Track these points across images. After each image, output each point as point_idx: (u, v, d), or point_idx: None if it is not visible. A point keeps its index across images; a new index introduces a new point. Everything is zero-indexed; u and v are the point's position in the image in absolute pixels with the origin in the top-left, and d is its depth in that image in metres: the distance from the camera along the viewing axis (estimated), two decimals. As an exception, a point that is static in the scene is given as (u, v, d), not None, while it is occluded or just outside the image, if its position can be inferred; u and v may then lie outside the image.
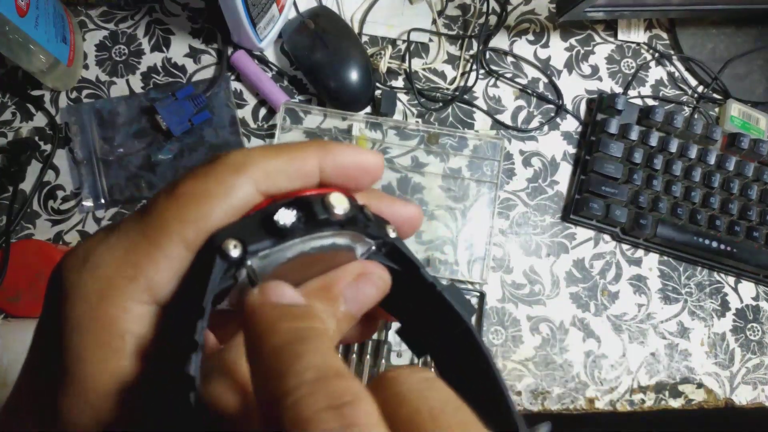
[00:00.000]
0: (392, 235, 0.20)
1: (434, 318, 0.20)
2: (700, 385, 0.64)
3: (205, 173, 0.18)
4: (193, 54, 0.66)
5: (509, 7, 0.71)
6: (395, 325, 0.60)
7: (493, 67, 0.69)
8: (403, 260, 0.20)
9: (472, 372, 0.19)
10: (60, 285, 0.17)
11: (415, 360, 0.60)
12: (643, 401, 0.63)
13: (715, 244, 0.65)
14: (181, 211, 0.17)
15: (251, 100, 0.65)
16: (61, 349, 0.16)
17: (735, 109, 0.69)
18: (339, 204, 0.17)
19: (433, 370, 0.19)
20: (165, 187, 0.18)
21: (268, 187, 0.18)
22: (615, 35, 0.72)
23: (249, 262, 0.17)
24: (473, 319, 0.61)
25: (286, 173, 0.18)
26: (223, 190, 0.17)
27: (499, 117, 0.68)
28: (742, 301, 0.67)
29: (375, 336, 0.60)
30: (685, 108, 0.71)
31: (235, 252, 0.16)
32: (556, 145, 0.68)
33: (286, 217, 0.17)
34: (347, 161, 0.20)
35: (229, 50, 0.65)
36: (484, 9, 0.70)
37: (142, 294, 0.16)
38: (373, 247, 0.20)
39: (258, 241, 0.16)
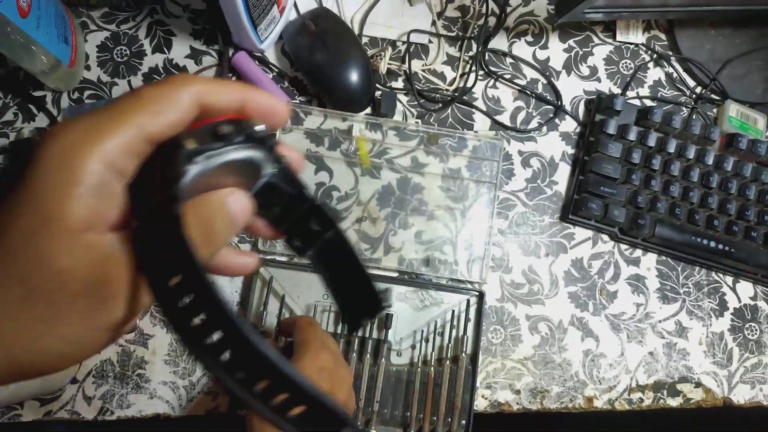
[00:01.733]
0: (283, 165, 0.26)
1: (315, 225, 0.28)
2: (698, 384, 0.64)
3: (162, 82, 0.23)
4: (194, 55, 0.66)
5: (508, 9, 0.71)
6: (395, 325, 0.61)
7: (493, 68, 0.70)
8: (293, 181, 0.26)
9: (344, 264, 0.29)
10: (31, 155, 0.21)
11: (415, 359, 0.60)
12: (642, 400, 0.63)
13: (713, 243, 0.65)
14: (141, 103, 0.22)
15: (252, 101, 0.66)
16: (30, 201, 0.20)
17: (733, 109, 0.70)
18: (260, 126, 0.24)
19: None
20: (131, 90, 0.24)
21: (203, 99, 0.24)
22: (613, 36, 0.72)
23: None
24: (472, 318, 0.62)
25: (217, 94, 0.24)
26: (173, 93, 0.23)
27: (498, 118, 0.68)
28: (740, 301, 0.67)
29: (375, 335, 0.60)
30: (684, 109, 0.71)
31: (191, 146, 0.21)
32: (554, 145, 0.68)
33: (225, 128, 0.23)
34: (261, 101, 0.25)
35: (230, 51, 0.66)
36: (484, 10, 0.70)
37: (95, 156, 0.21)
38: (274, 170, 0.26)
39: (207, 143, 0.22)
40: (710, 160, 0.66)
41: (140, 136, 0.21)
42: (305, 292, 0.61)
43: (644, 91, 0.71)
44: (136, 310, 0.22)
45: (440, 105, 0.68)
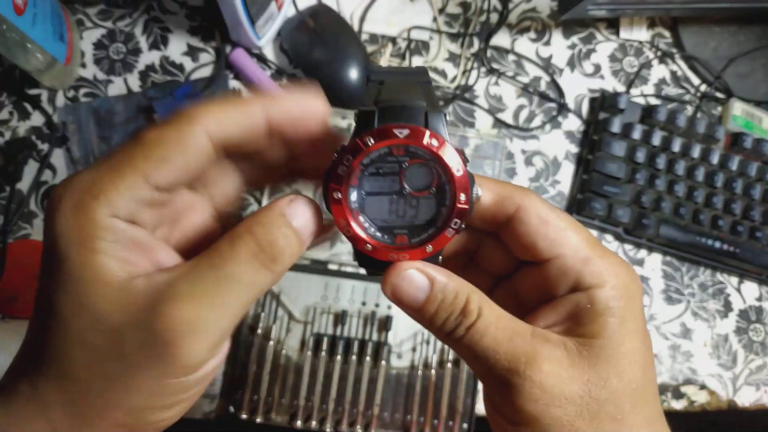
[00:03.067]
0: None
1: None
2: (702, 387, 0.64)
3: (165, 124, 0.22)
4: (191, 52, 0.65)
5: (510, 5, 0.70)
6: (395, 327, 0.60)
7: (495, 66, 0.69)
8: None
9: None
10: (46, 219, 0.21)
11: (416, 362, 0.59)
12: (646, 402, 0.62)
13: (718, 244, 0.64)
14: (145, 151, 0.21)
15: (250, 99, 0.65)
16: (52, 265, 0.20)
17: (738, 108, 0.69)
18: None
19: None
20: (135, 134, 0.22)
21: (218, 135, 0.22)
22: (617, 33, 0.71)
23: None
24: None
25: (236, 121, 0.22)
26: (178, 137, 0.21)
27: (500, 116, 0.67)
28: (745, 302, 0.66)
29: (375, 337, 0.59)
30: (688, 107, 0.70)
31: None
32: (558, 144, 0.68)
33: None
34: (288, 105, 0.23)
35: (228, 48, 0.65)
36: (485, 7, 0.69)
37: (104, 209, 0.20)
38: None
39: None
40: (715, 159, 0.65)
41: (146, 186, 0.21)
42: (303, 294, 0.60)
43: (648, 89, 0.70)
44: (212, 350, 0.21)
45: (441, 103, 0.67)
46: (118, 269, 0.20)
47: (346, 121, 0.65)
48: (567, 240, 0.25)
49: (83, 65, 0.64)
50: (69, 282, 0.20)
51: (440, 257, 0.25)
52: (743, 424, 0.71)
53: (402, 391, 0.59)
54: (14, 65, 0.60)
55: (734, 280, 0.67)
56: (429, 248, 0.24)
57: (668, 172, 0.65)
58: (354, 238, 0.24)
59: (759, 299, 0.66)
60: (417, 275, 0.24)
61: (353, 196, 0.24)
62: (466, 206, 0.24)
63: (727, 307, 0.66)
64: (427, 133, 0.23)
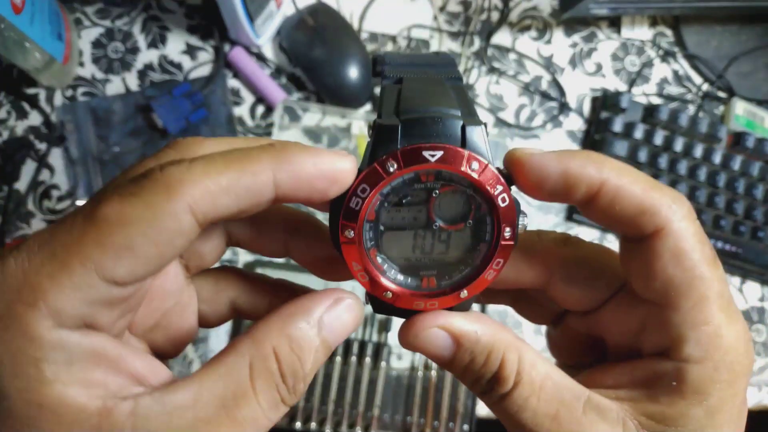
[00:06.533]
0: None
1: None
2: (704, 388, 0.63)
3: (133, 194, 0.15)
4: (190, 51, 0.65)
5: (511, 4, 0.70)
6: (396, 327, 0.59)
7: (495, 65, 0.68)
8: None
9: None
10: None
11: (416, 363, 0.59)
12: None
13: (720, 244, 0.64)
14: (100, 236, 0.15)
15: (249, 98, 0.65)
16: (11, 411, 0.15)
17: (740, 107, 0.68)
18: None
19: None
20: (86, 206, 0.16)
21: (208, 212, 0.16)
22: (619, 32, 0.71)
23: None
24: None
25: (233, 192, 0.16)
26: (151, 217, 0.15)
27: (501, 115, 0.67)
28: (747, 302, 0.66)
29: (375, 338, 0.59)
30: (690, 106, 0.70)
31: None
32: (559, 143, 0.67)
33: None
34: (307, 170, 0.17)
35: (227, 47, 0.64)
36: (486, 5, 0.69)
37: (45, 320, 0.15)
38: None
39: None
40: (717, 159, 0.65)
41: (102, 283, 0.15)
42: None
43: (650, 88, 0.70)
44: None
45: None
46: (85, 398, 0.15)
47: (345, 120, 0.64)
48: (696, 287, 0.19)
49: (81, 64, 0.63)
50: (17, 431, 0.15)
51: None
52: (745, 425, 0.71)
53: (402, 392, 0.59)
54: (12, 64, 0.60)
55: (736, 280, 0.66)
56: (464, 293, 0.20)
57: (670, 171, 0.65)
58: (371, 285, 0.20)
59: (761, 299, 0.66)
60: (440, 335, 0.19)
61: (369, 233, 0.20)
62: (511, 242, 0.19)
63: (729, 307, 0.65)
64: (466, 154, 0.18)
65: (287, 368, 0.18)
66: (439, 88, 0.20)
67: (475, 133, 0.18)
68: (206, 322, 0.23)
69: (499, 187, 0.19)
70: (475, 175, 0.18)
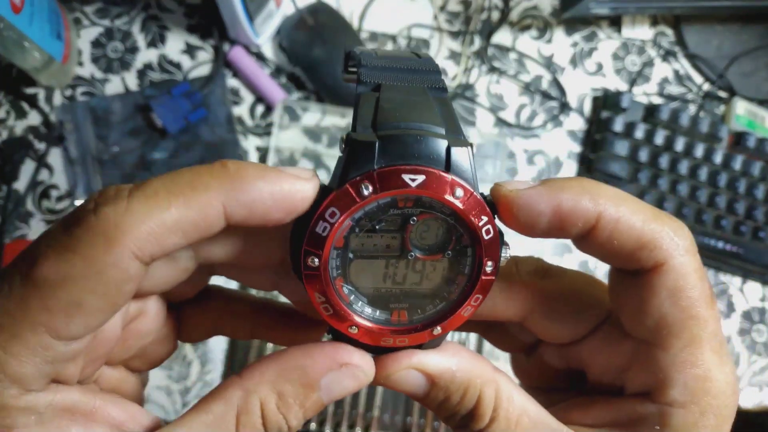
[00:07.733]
0: None
1: None
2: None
3: (68, 248, 0.14)
4: (190, 50, 0.65)
5: (512, 3, 0.69)
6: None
7: (496, 64, 0.68)
8: None
9: None
10: None
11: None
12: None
13: (720, 244, 0.64)
14: (44, 299, 0.14)
15: (248, 98, 0.64)
16: None
17: (741, 107, 0.68)
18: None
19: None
20: (20, 265, 0.15)
21: (155, 252, 0.15)
22: (619, 31, 0.71)
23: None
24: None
25: (179, 229, 0.15)
26: (92, 272, 0.14)
27: (501, 114, 0.67)
28: (748, 303, 0.66)
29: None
30: (691, 106, 0.70)
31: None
32: (559, 143, 0.67)
33: None
34: (263, 200, 0.16)
35: (226, 46, 0.64)
36: (486, 4, 0.69)
37: (8, 390, 0.15)
38: None
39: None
40: (718, 158, 0.64)
41: (58, 343, 0.15)
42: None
43: (651, 88, 0.70)
44: None
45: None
46: None
47: (345, 120, 0.64)
48: (689, 327, 0.18)
49: (80, 64, 0.63)
50: None
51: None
52: (746, 425, 0.70)
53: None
54: (11, 64, 0.60)
55: (737, 280, 0.66)
56: (437, 330, 0.18)
57: (671, 171, 0.64)
58: (335, 319, 0.18)
59: (762, 300, 0.66)
60: (413, 374, 0.18)
61: (336, 260, 0.18)
62: (492, 277, 0.18)
63: (730, 308, 0.65)
64: (449, 180, 0.16)
65: (272, 426, 0.17)
66: (422, 99, 0.18)
67: (460, 156, 0.17)
68: (188, 339, 0.23)
69: (484, 218, 0.17)
70: (459, 204, 0.17)
